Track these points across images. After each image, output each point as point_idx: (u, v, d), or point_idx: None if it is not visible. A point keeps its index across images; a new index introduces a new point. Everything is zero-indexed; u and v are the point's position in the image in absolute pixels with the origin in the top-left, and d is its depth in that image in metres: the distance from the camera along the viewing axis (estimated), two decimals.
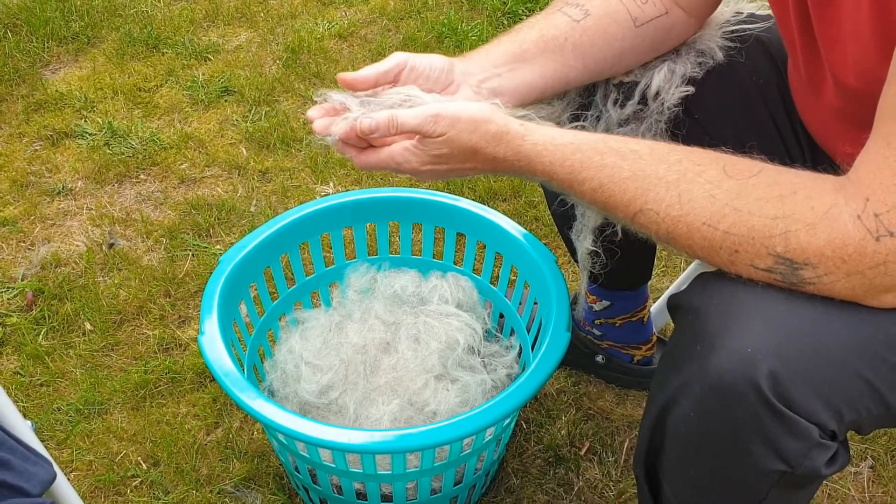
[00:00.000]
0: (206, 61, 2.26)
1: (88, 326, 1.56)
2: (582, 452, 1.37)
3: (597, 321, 1.45)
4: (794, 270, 0.75)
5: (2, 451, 0.79)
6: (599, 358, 1.48)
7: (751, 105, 1.05)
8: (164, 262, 1.69)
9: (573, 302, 1.50)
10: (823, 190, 0.74)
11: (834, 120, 0.92)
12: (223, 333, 1.13)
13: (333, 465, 1.10)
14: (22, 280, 1.64)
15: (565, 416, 1.42)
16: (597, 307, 1.44)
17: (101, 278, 1.65)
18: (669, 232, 0.80)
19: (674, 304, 0.86)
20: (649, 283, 1.43)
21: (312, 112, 0.93)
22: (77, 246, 1.72)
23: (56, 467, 0.86)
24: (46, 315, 1.57)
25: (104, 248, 1.71)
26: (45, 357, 1.50)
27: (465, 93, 0.96)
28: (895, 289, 0.73)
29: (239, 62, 2.25)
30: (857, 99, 0.84)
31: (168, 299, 1.61)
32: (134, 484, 1.33)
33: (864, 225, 0.71)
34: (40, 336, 1.54)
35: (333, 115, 0.91)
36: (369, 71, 0.94)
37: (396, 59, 0.94)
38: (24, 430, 0.87)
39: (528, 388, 1.06)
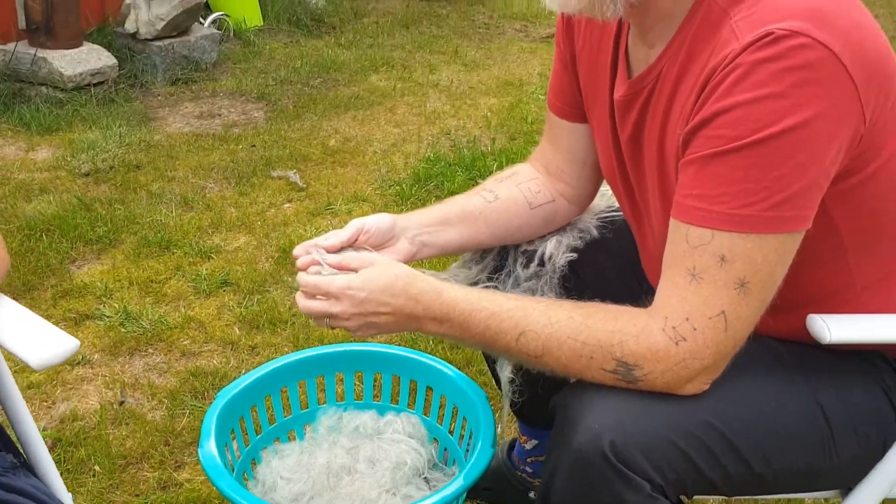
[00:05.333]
0: (209, 259, 2.66)
1: (97, 468, 1.82)
2: None
3: (528, 459, 1.73)
4: (629, 371, 1.05)
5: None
6: (532, 494, 1.74)
7: (619, 268, 1.42)
8: (166, 418, 1.98)
9: (511, 446, 1.79)
10: (639, 313, 1.07)
11: (657, 271, 1.28)
12: (219, 449, 1.41)
13: None
14: (43, 431, 1.92)
15: None
16: (527, 446, 1.72)
17: (111, 430, 1.94)
18: (545, 346, 1.09)
19: (552, 405, 1.17)
20: None
21: (298, 250, 1.26)
22: (92, 404, 2.02)
23: None
24: (62, 458, 1.84)
25: (115, 405, 2.01)
26: None
27: (402, 244, 1.32)
28: (694, 379, 1.05)
29: (237, 260, 2.65)
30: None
31: (167, 447, 1.89)
32: None
33: (667, 335, 1.03)
34: None
35: (311, 262, 1.26)
36: (335, 240, 1.29)
37: (355, 226, 1.30)
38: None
39: (453, 489, 1.34)
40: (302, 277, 1.21)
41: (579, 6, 1.07)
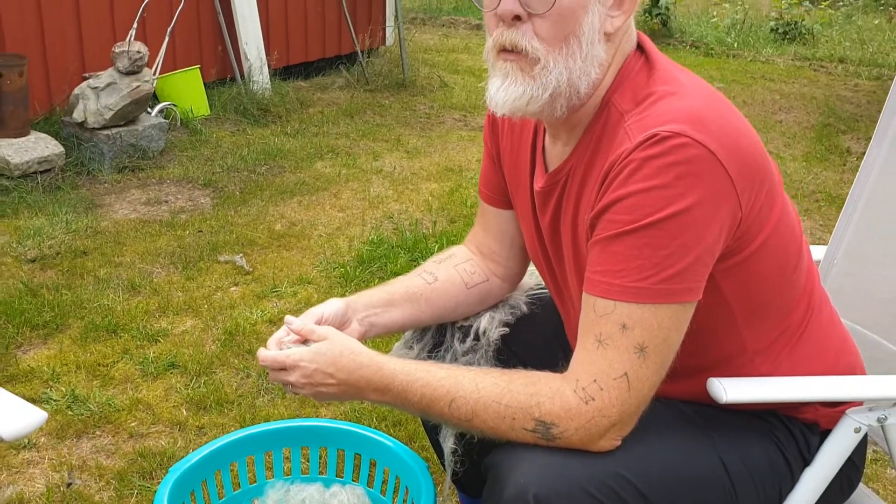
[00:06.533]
0: (156, 342, 2.71)
1: None
2: None
3: None
4: (548, 430, 1.17)
5: None
6: None
7: (546, 340, 1.54)
8: (114, 499, 2.01)
9: None
10: (555, 377, 1.19)
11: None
12: None
13: None
14: None
15: None
16: None
17: None
18: (474, 410, 1.20)
19: (484, 465, 1.28)
20: None
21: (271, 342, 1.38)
22: (38, 487, 2.04)
23: None
24: None
25: (62, 488, 2.03)
26: None
27: (353, 326, 1.44)
28: (605, 435, 1.15)
29: (184, 343, 2.71)
30: None
31: None
32: None
33: (577, 395, 1.15)
34: None
35: (277, 341, 1.37)
36: (299, 325, 1.39)
37: (315, 316, 1.41)
38: None
39: None
40: (261, 353, 1.36)
41: (533, 109, 1.21)
